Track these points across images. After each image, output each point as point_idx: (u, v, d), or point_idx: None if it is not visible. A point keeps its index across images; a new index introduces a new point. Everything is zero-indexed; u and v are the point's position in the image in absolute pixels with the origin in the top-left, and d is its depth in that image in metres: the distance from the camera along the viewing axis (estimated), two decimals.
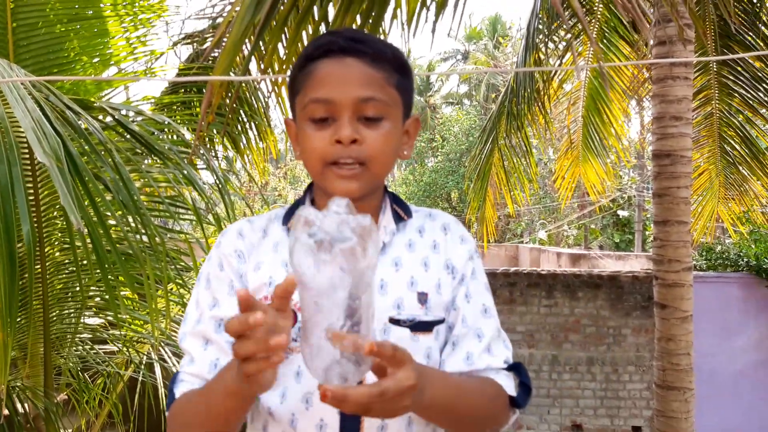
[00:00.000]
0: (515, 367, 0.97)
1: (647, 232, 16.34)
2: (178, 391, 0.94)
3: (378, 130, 0.91)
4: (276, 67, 2.45)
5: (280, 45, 2.47)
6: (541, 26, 5.23)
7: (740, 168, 6.27)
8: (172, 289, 3.22)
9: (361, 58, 0.90)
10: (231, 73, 2.65)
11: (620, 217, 18.35)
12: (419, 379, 0.73)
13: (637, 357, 7.30)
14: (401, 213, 1.00)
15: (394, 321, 0.92)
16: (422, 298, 0.94)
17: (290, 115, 1.01)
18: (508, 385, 0.96)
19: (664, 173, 4.18)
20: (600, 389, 7.30)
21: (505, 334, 1.01)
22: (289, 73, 1.05)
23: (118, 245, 2.76)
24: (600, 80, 5.90)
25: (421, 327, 0.93)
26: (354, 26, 2.53)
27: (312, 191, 1.02)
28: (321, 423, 0.90)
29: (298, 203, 1.02)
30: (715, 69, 5.70)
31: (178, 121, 3.19)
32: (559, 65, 5.85)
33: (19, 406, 3.12)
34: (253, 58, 2.53)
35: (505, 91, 6.07)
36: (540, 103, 5.70)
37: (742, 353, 7.54)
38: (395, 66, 0.93)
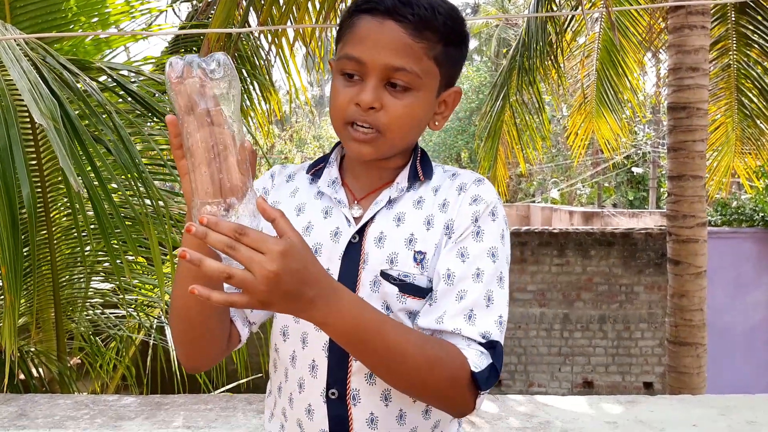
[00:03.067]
0: (491, 347, 0.86)
1: (662, 189, 16.15)
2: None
3: (402, 100, 0.89)
4: (276, 21, 2.37)
5: None
6: None
7: (758, 121, 6.10)
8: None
9: (403, 24, 0.87)
10: (230, 27, 2.57)
11: (634, 174, 18.13)
12: (293, 264, 0.70)
13: (650, 314, 7.28)
14: (420, 173, 0.97)
15: (385, 275, 0.90)
16: (418, 256, 0.91)
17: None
18: (476, 362, 0.84)
19: (680, 126, 4.07)
20: (611, 346, 7.32)
21: (502, 310, 0.89)
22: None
23: (122, 209, 2.73)
24: (617, 32, 5.72)
25: (410, 289, 0.90)
26: None
27: (342, 147, 1.02)
28: (313, 363, 0.93)
29: (325, 157, 1.03)
30: (733, 18, 5.49)
31: None
32: (570, 12, 5.66)
33: (33, 370, 3.16)
34: (252, 12, 2.44)
35: (516, 45, 5.91)
36: (553, 57, 5.54)
37: (755, 309, 7.50)
38: (443, 35, 0.89)
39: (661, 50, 6.34)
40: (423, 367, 0.81)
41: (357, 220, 0.95)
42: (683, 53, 4.03)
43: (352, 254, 0.92)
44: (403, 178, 0.96)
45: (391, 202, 0.95)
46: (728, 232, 7.60)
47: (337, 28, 0.96)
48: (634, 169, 17.97)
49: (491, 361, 0.85)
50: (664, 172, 15.09)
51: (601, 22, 5.96)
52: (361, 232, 0.93)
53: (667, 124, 4.16)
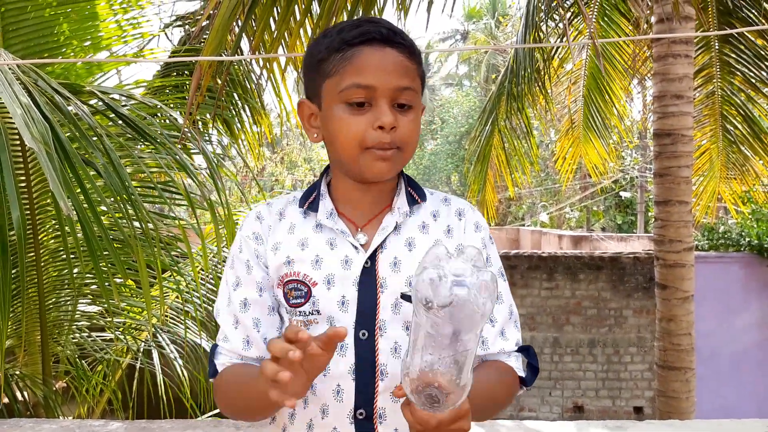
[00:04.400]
0: (525, 349, 1.05)
1: (650, 213, 16.29)
2: (219, 363, 1.03)
3: (409, 117, 0.97)
4: (268, 47, 2.40)
5: (271, 20, 2.41)
6: (540, 4, 5.14)
7: (742, 147, 6.20)
8: (169, 275, 3.19)
9: (399, 49, 0.97)
10: (222, 54, 2.60)
11: (622, 198, 18.28)
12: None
13: (639, 338, 7.29)
14: (416, 196, 1.05)
15: (405, 297, 0.97)
16: None
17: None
18: (518, 366, 1.04)
19: (665, 152, 4.13)
20: (601, 371, 7.31)
21: (516, 315, 1.08)
22: (304, 53, 1.16)
23: (111, 232, 2.73)
24: (602, 60, 5.82)
25: None
26: (348, 5, 2.47)
27: (328, 174, 1.07)
28: (338, 389, 0.97)
29: (314, 186, 1.07)
30: (716, 47, 5.61)
31: (171, 106, 3.14)
32: (556, 43, 5.77)
33: (18, 393, 3.11)
34: (244, 37, 2.47)
35: (504, 71, 5.99)
36: (540, 83, 5.63)
37: (743, 333, 7.53)
38: (418, 57, 1.01)
39: (646, 77, 6.46)
40: (505, 397, 1.02)
41: (364, 246, 1.00)
42: (668, 81, 4.10)
43: (368, 280, 0.98)
44: (402, 203, 1.04)
45: (397, 227, 1.02)
46: (715, 256, 7.66)
47: (313, 64, 1.00)
48: (622, 193, 18.12)
49: (527, 361, 1.05)
50: (651, 197, 15.24)
51: (587, 49, 6.07)
52: (372, 257, 0.99)
53: (653, 150, 4.22)
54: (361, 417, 0.96)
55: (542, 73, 5.58)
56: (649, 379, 7.15)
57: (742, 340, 7.53)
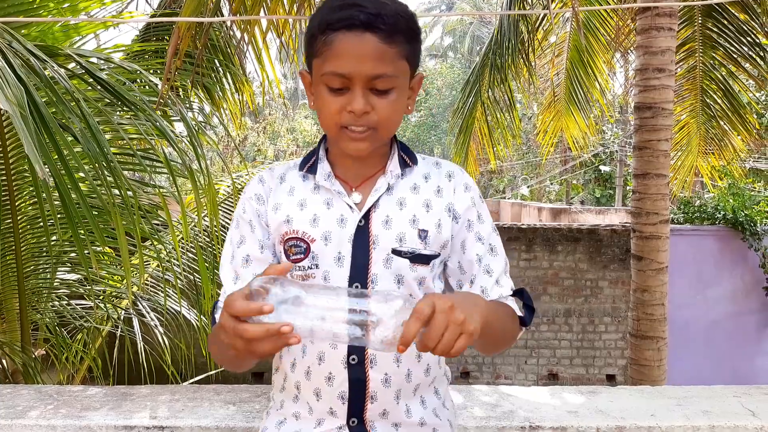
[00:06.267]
0: (519, 292, 1.13)
1: (628, 187, 16.46)
2: (218, 317, 1.05)
3: (387, 99, 1.01)
4: (249, 9, 2.35)
5: None
6: None
7: (721, 122, 6.27)
8: (150, 243, 3.17)
9: (378, 34, 0.98)
10: (201, 16, 2.54)
11: (602, 172, 18.45)
12: (453, 300, 0.84)
13: (614, 308, 7.44)
14: (407, 160, 1.12)
15: (396, 252, 1.05)
16: (422, 234, 1.07)
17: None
18: (517, 308, 1.12)
19: (646, 126, 4.17)
20: (576, 339, 7.47)
21: (507, 267, 1.15)
22: (304, 23, 1.18)
23: (90, 199, 2.69)
24: (584, 31, 5.81)
25: (419, 259, 1.07)
26: None
27: (326, 141, 1.14)
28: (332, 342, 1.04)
29: (314, 151, 1.14)
30: (699, 21, 5.63)
31: (150, 72, 3.09)
32: (540, 11, 5.73)
33: None
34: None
35: (488, 42, 5.96)
36: (524, 55, 5.61)
37: (715, 304, 7.72)
38: (407, 35, 1.02)
39: (629, 51, 6.47)
40: (512, 327, 1.08)
41: (358, 205, 1.07)
42: (650, 54, 4.12)
43: (361, 237, 1.05)
44: (395, 166, 1.10)
45: (390, 188, 1.09)
46: (690, 229, 7.80)
47: (306, 39, 1.06)
48: (601, 167, 18.28)
49: (522, 301, 1.12)
50: (630, 171, 15.36)
51: (571, 21, 6.05)
52: (366, 216, 1.06)
53: (633, 123, 4.25)
54: (353, 362, 1.05)
55: (526, 44, 5.56)
56: (622, 348, 7.32)
57: (715, 311, 7.73)
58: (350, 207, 1.07)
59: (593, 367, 7.46)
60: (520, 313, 1.11)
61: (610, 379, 7.41)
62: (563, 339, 7.46)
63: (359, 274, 1.04)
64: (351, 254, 1.05)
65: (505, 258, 1.16)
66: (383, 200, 1.08)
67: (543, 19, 5.72)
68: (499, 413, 1.67)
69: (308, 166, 1.12)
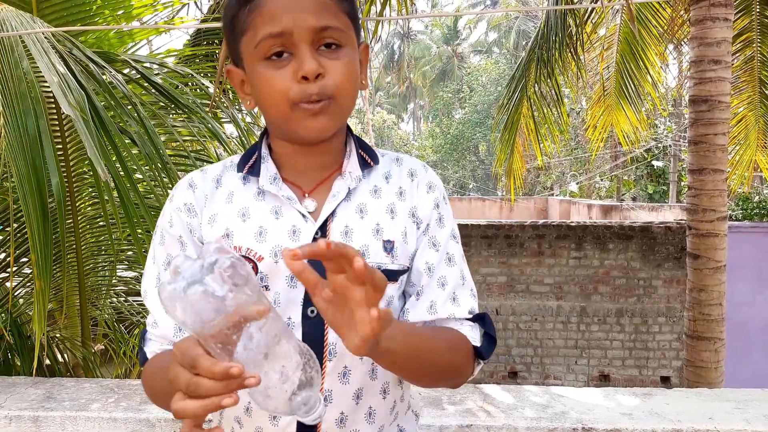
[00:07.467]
0: (480, 318, 0.94)
1: (683, 183, 15.96)
2: (149, 350, 0.93)
3: (340, 59, 0.85)
4: None
5: None
6: None
7: None
8: None
9: None
10: None
11: (655, 167, 17.94)
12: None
13: (668, 308, 7.23)
14: (367, 158, 0.95)
15: None
16: (388, 246, 0.91)
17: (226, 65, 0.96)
18: (473, 335, 0.92)
19: (701, 120, 4.04)
20: (629, 340, 7.29)
21: (471, 283, 0.97)
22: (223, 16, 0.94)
23: (146, 199, 2.79)
24: (636, 23, 5.66)
25: (386, 276, 0.89)
26: None
27: (268, 137, 0.96)
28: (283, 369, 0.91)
29: (254, 148, 0.96)
30: (757, 9, 5.41)
31: (202, 75, 3.17)
32: (590, 4, 5.62)
33: (59, 355, 3.24)
34: None
35: (535, 37, 5.87)
36: (572, 49, 5.50)
37: None
38: None
39: (683, 42, 6.27)
40: (450, 357, 0.89)
41: (313, 214, 0.90)
42: (705, 45, 3.99)
43: None
44: (354, 167, 0.93)
45: (349, 192, 0.92)
46: (749, 226, 7.51)
47: (227, 26, 0.90)
48: (654, 162, 17.77)
49: (484, 330, 0.93)
50: (685, 166, 14.90)
51: (622, 13, 5.90)
52: (323, 227, 0.89)
53: (688, 117, 4.12)
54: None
55: (574, 38, 5.45)
56: (677, 349, 7.11)
57: None
58: (303, 216, 0.89)
59: (647, 368, 7.26)
60: (476, 343, 0.92)
61: (665, 381, 7.21)
62: (615, 339, 7.29)
63: None
64: None
65: (466, 272, 0.97)
66: (341, 208, 0.90)
67: (592, 11, 5.60)
68: (551, 414, 1.65)
69: (248, 166, 0.92)
